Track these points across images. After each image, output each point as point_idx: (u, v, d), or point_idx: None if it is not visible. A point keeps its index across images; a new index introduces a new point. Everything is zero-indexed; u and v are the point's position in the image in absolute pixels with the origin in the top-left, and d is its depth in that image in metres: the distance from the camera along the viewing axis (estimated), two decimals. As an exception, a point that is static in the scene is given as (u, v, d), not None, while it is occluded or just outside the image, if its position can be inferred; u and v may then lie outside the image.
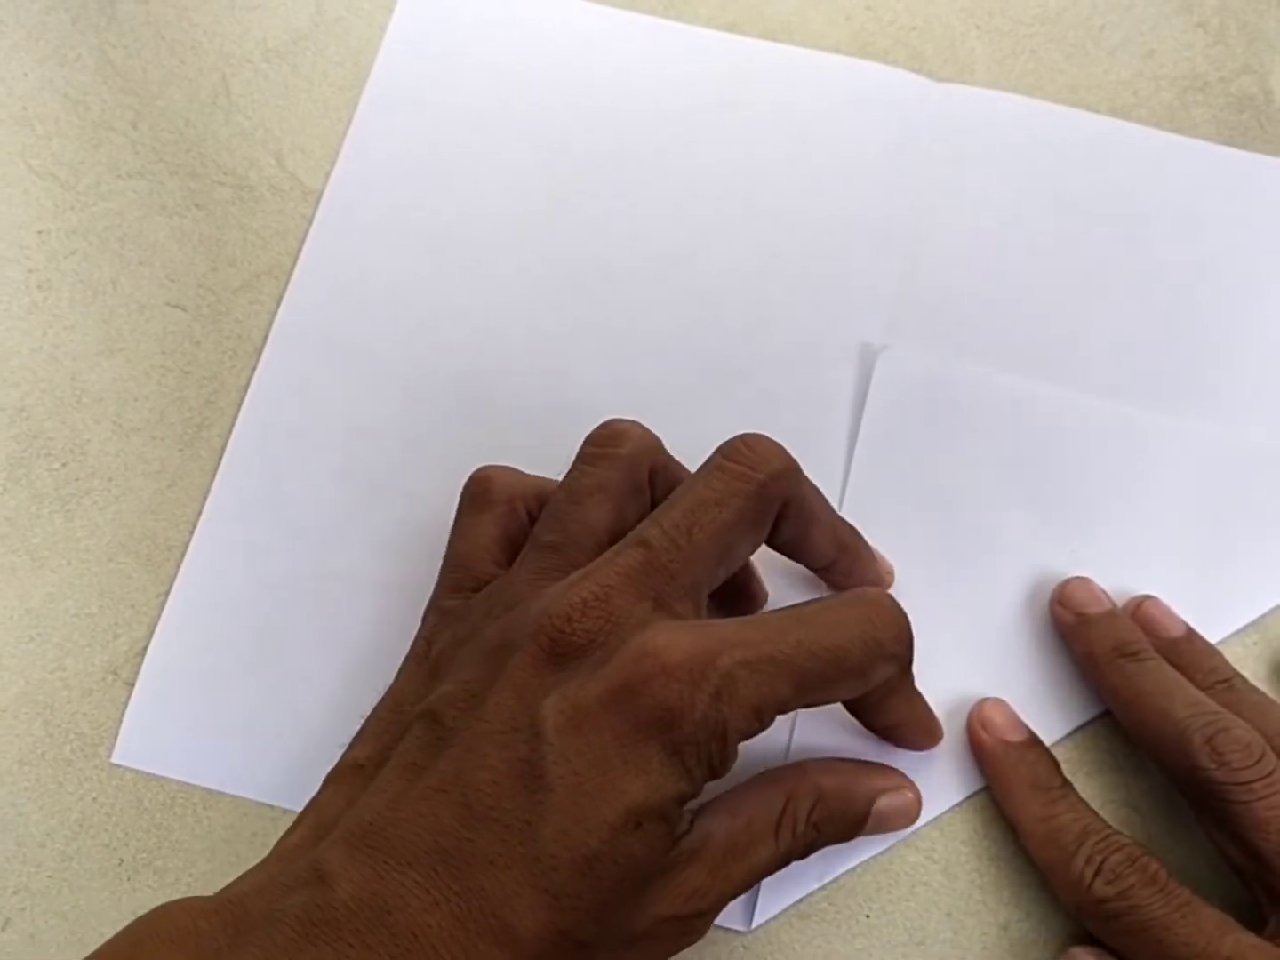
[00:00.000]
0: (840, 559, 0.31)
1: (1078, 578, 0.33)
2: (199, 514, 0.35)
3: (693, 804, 0.26)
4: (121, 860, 0.32)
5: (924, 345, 0.36)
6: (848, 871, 0.31)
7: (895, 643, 0.26)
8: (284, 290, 0.37)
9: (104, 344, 0.37)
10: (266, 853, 0.26)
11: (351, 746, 0.28)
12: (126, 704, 0.33)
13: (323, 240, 0.37)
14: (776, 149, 0.38)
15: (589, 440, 0.30)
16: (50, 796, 0.33)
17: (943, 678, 0.32)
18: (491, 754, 0.24)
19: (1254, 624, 0.33)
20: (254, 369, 0.36)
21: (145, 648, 0.34)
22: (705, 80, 0.39)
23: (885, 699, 0.28)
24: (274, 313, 0.37)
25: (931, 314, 0.36)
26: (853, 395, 0.35)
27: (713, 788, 0.26)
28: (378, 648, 0.33)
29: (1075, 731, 0.32)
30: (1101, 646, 0.31)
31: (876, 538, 0.33)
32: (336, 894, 0.23)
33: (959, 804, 0.31)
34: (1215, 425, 0.35)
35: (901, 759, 0.31)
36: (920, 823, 0.31)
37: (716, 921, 0.30)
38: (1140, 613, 0.32)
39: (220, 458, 0.35)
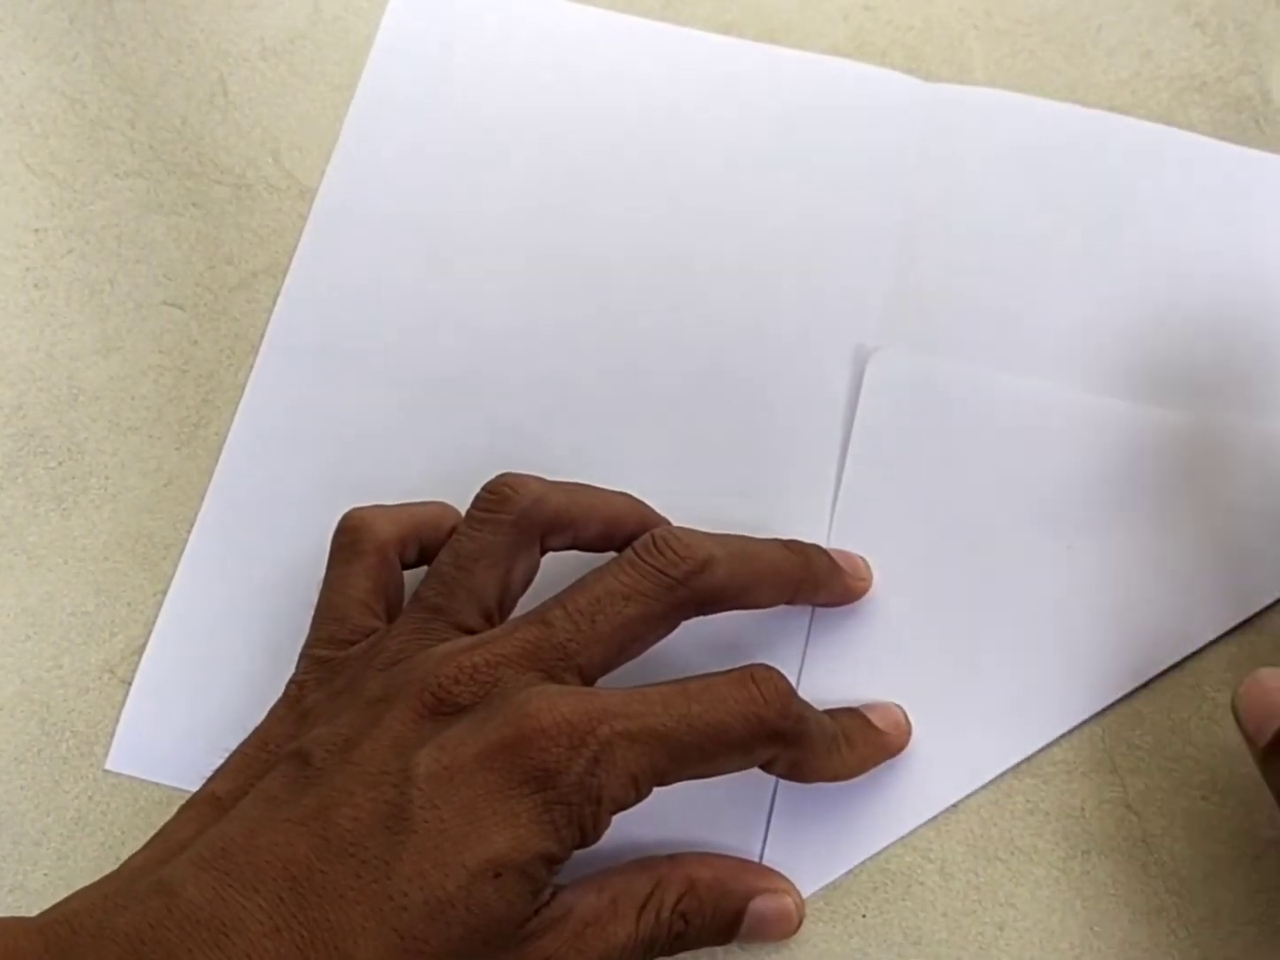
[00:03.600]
0: (798, 594, 0.31)
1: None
2: (196, 513, 0.35)
3: (560, 878, 0.26)
4: (118, 859, 0.32)
5: (917, 346, 0.36)
6: (844, 871, 0.31)
7: (780, 719, 0.26)
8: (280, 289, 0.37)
9: (101, 342, 0.37)
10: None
11: (211, 779, 0.27)
12: (123, 703, 0.33)
13: (317, 240, 0.37)
14: (769, 151, 0.38)
15: (477, 501, 0.29)
16: (46, 795, 0.33)
17: (937, 679, 0.32)
18: (358, 793, 0.24)
19: (1254, 622, 0.33)
20: (252, 368, 0.36)
21: (142, 646, 0.34)
22: (697, 82, 0.39)
23: (800, 766, 0.28)
24: (271, 311, 0.37)
25: (925, 314, 0.36)
26: (846, 396, 0.35)
27: (585, 863, 0.26)
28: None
29: (1071, 731, 0.32)
30: None
31: (871, 539, 0.33)
32: (175, 911, 0.23)
33: (956, 804, 0.31)
34: (1213, 421, 0.35)
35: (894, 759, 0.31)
36: (917, 823, 0.31)
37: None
38: None
39: (218, 457, 0.35)
